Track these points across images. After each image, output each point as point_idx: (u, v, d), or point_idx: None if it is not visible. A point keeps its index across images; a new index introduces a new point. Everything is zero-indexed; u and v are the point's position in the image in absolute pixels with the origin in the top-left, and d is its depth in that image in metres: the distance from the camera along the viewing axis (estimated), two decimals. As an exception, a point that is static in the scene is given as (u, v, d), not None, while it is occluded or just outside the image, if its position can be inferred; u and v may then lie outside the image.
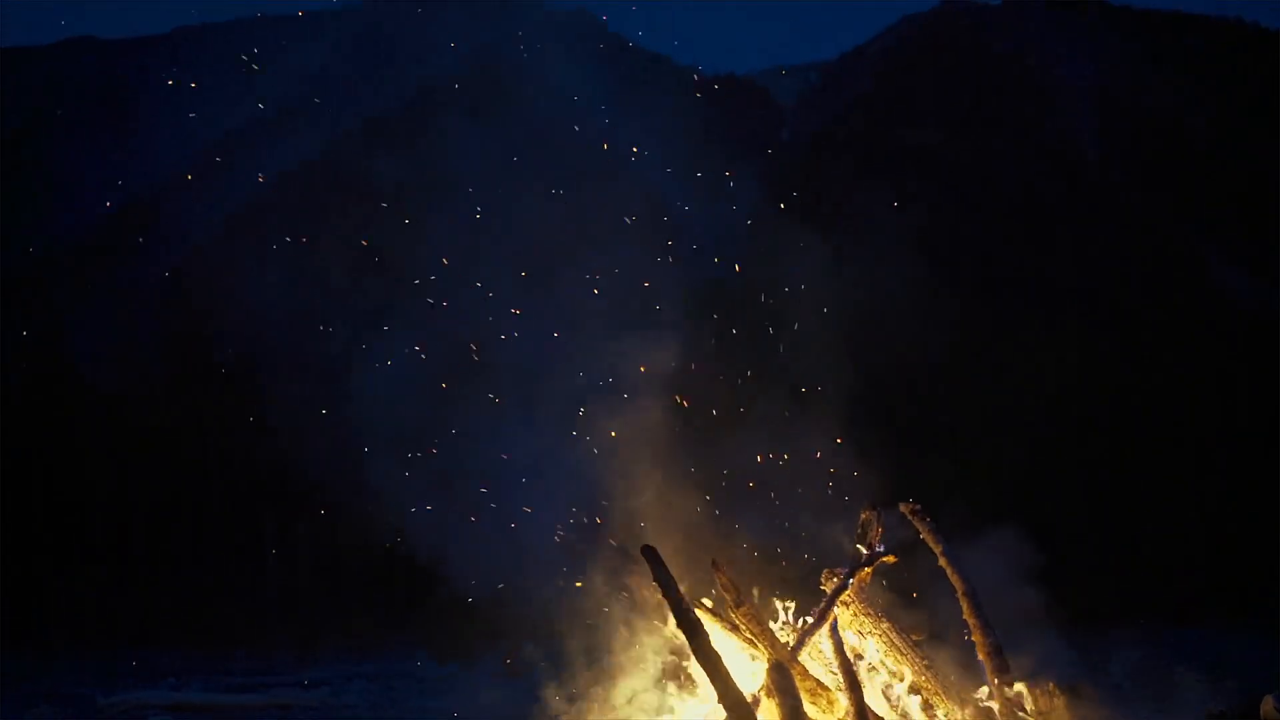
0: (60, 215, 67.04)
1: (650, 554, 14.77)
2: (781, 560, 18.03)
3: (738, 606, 15.03)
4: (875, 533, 16.14)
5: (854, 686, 14.72)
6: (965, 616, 16.42)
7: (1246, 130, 64.54)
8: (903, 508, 16.82)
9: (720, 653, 14.51)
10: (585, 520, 17.83)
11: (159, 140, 71.73)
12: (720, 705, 14.25)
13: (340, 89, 67.39)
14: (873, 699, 15.24)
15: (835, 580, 15.88)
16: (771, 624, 15.66)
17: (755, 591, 15.99)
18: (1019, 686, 15.93)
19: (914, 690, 15.72)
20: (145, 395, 47.21)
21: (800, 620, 16.01)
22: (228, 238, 55.43)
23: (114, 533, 46.05)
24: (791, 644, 15.42)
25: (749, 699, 14.39)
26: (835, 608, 15.61)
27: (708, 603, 15.40)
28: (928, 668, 15.82)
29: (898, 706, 15.63)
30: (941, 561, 16.80)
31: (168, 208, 64.29)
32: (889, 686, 15.84)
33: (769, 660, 14.80)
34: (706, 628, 14.72)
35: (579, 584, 17.12)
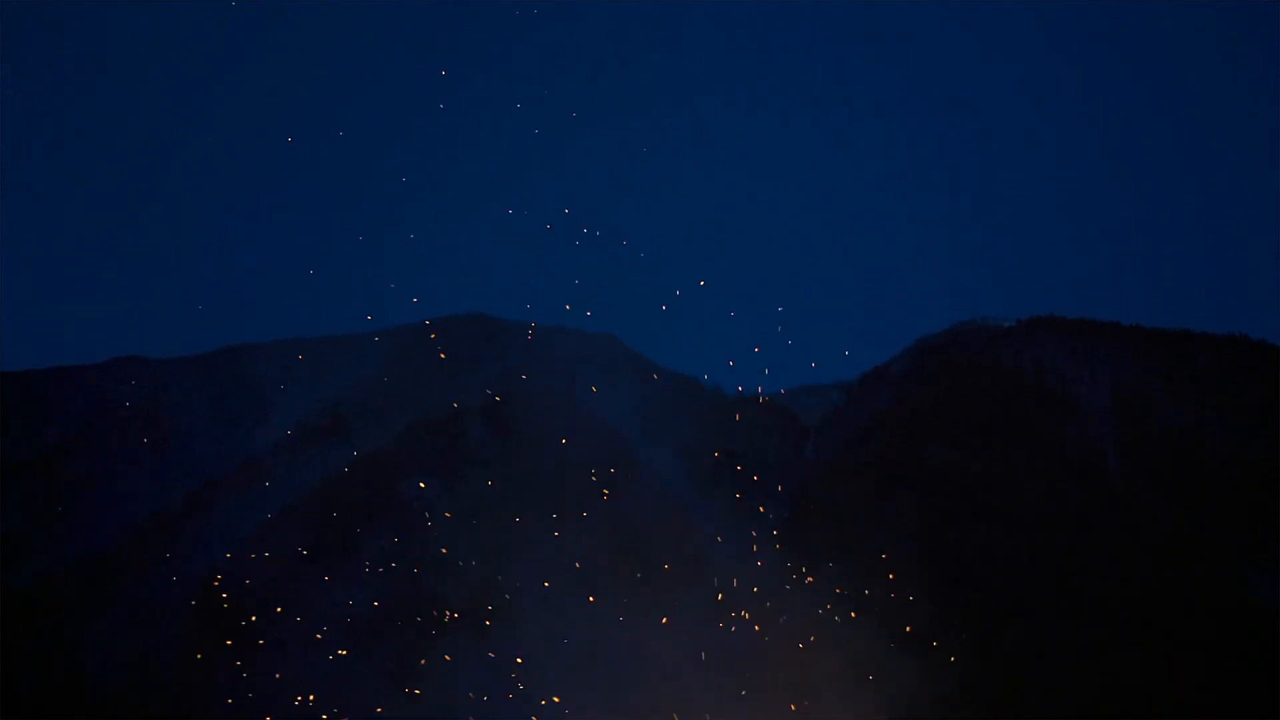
0: (93, 526, 67.87)
1: None
2: None
3: None
4: None
5: None
6: None
7: (1258, 440, 65.37)
8: None
9: None
10: None
11: (192, 456, 73.66)
12: None
13: (374, 406, 69.53)
14: None
15: None
16: None
17: None
18: None
19: None
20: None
21: None
22: (252, 551, 55.85)
23: None
24: None
25: None
26: None
27: None
28: None
29: None
30: None
31: (193, 523, 65.14)
32: None
33: None
34: None
35: None
